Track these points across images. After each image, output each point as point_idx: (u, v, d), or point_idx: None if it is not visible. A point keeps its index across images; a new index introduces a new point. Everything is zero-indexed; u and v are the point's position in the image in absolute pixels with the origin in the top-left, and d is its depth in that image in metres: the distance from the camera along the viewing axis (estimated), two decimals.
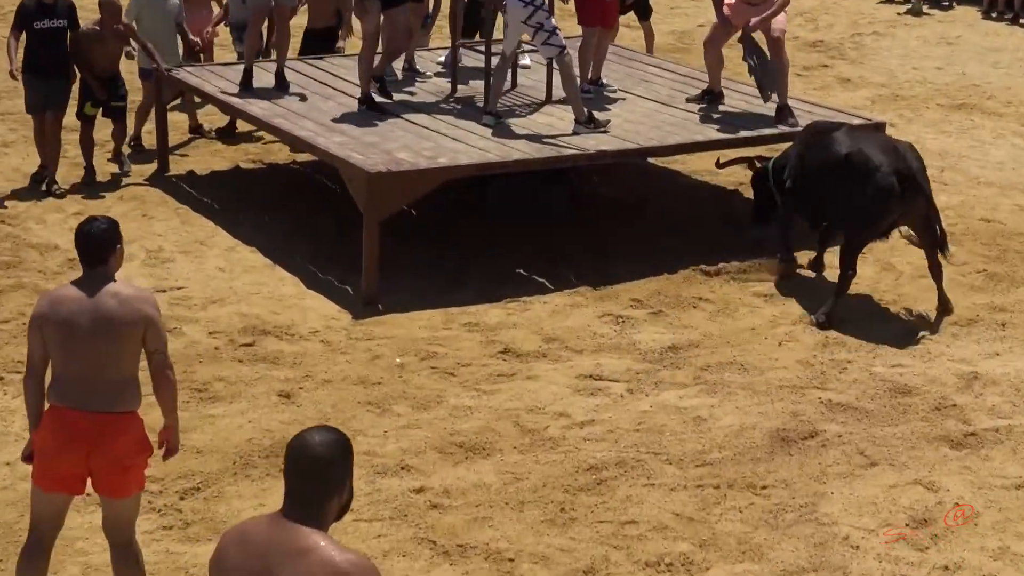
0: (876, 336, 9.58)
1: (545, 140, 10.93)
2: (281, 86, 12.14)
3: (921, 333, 9.65)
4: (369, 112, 11.42)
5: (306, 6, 13.73)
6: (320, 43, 13.52)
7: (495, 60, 11.55)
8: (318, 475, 3.86)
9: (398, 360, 9.07)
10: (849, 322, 9.75)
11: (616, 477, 7.63)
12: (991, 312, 10.06)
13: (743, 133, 11.43)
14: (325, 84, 12.40)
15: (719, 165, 11.50)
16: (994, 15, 20.73)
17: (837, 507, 7.37)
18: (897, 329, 9.74)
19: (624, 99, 12.17)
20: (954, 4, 21.31)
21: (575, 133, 11.08)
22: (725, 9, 11.68)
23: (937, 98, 16.13)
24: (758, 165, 11.16)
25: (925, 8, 20.98)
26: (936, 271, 9.97)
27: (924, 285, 10.43)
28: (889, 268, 10.85)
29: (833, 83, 16.63)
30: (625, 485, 7.56)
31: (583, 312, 9.93)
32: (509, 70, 11.89)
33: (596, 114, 11.28)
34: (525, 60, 12.94)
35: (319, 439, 3.88)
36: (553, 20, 11.28)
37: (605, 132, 11.13)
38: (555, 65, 11.49)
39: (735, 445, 8.02)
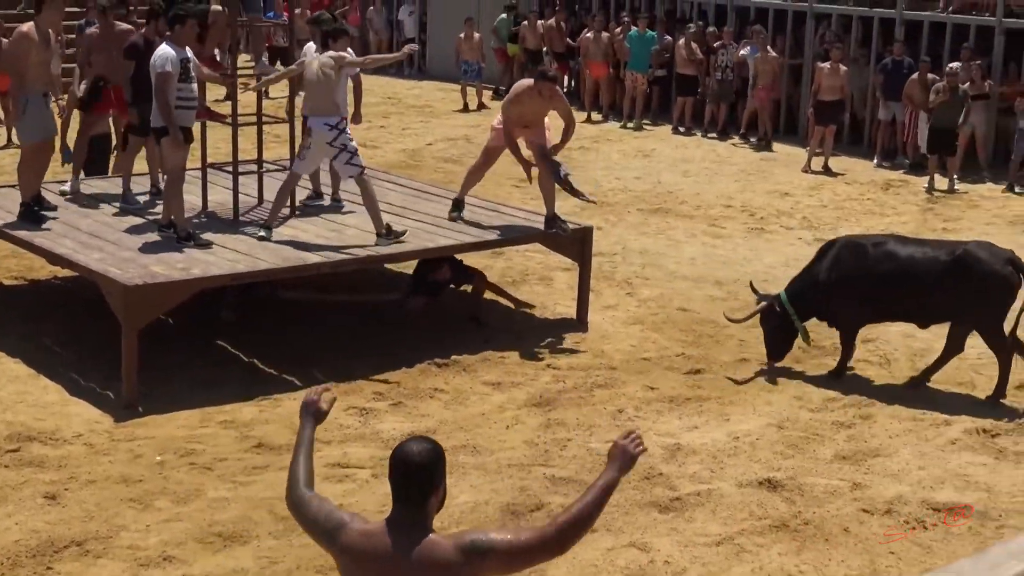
0: (592, 415, 9.81)
1: (290, 250, 10.91)
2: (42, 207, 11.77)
3: (630, 412, 9.92)
4: (124, 229, 11.23)
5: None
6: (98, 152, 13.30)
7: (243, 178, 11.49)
8: (419, 478, 4.25)
9: (158, 458, 8.87)
10: (571, 406, 9.97)
11: None
12: (690, 390, 10.41)
13: (468, 240, 11.60)
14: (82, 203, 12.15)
15: (733, 321, 11.18)
16: (682, 130, 21.64)
17: (563, 571, 7.47)
18: (611, 408, 9.99)
19: (355, 212, 12.19)
20: (692, 131, 22.15)
21: (377, 244, 11.09)
22: (495, 137, 11.85)
23: (637, 204, 16.69)
24: (763, 304, 10.90)
25: (634, 124, 21.78)
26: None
27: (633, 368, 10.76)
28: (600, 354, 11.15)
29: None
30: None
31: None
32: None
33: (392, 225, 11.31)
34: None
35: (417, 448, 4.29)
36: (355, 143, 11.31)
37: (402, 242, 11.16)
38: (356, 184, 11.36)
39: (471, 520, 8.08)
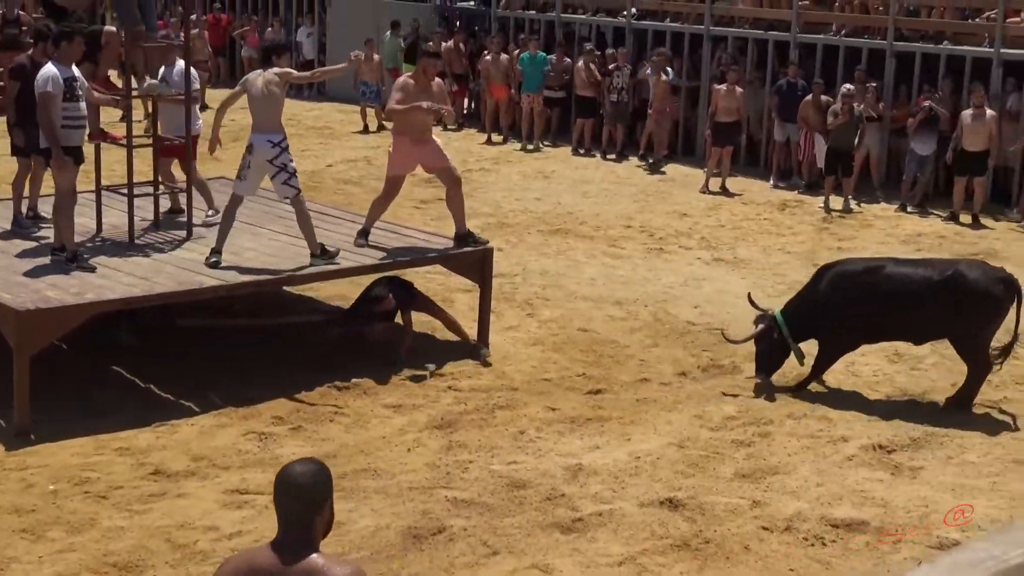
0: (494, 436, 9.78)
1: (187, 274, 10.75)
2: None
3: (532, 433, 9.90)
4: (16, 254, 11.00)
5: None
6: None
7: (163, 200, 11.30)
8: (303, 499, 4.19)
9: (51, 487, 8.66)
10: (473, 428, 9.92)
11: None
12: (592, 410, 10.42)
13: (369, 262, 11.51)
14: None
15: (733, 342, 11.24)
16: (581, 151, 21.74)
17: None
18: (513, 430, 9.96)
19: (253, 234, 12.06)
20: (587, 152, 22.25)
21: (312, 265, 11.02)
22: (393, 167, 11.84)
23: (538, 225, 16.72)
24: (762, 327, 11.02)
25: (533, 146, 21.84)
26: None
27: (535, 389, 10.76)
28: (501, 375, 11.12)
29: (448, 214, 16.92)
30: None
31: (228, 432, 9.75)
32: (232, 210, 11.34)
33: (326, 246, 11.21)
34: None
35: (301, 469, 4.23)
36: (294, 164, 11.16)
37: (336, 263, 11.09)
38: (292, 205, 11.22)
39: (371, 544, 7.99)
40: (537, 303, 13.33)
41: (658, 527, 8.34)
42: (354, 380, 10.74)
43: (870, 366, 11.55)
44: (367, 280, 11.84)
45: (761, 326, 11.05)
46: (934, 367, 11.46)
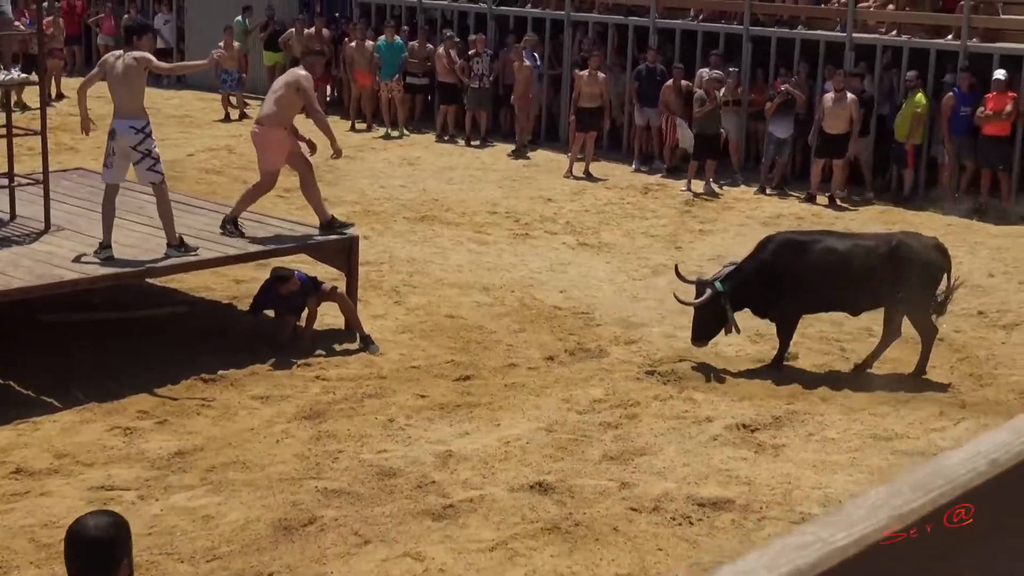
0: (363, 425, 9.75)
1: (45, 267, 10.52)
2: None
3: (401, 421, 9.90)
4: None
5: None
6: None
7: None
8: (97, 555, 3.73)
9: None
10: (342, 417, 9.88)
11: None
12: (461, 396, 10.45)
13: (233, 252, 11.38)
14: None
15: (683, 303, 11.29)
16: (446, 138, 21.73)
17: None
18: (382, 418, 9.94)
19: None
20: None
21: (167, 256, 10.87)
22: (273, 161, 11.75)
23: (403, 212, 16.68)
24: (710, 293, 11.11)
25: (396, 132, 21.78)
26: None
27: (403, 377, 10.75)
28: (369, 364, 11.09)
29: None
30: None
31: (92, 427, 9.57)
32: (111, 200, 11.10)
33: (186, 239, 11.03)
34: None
35: (94, 523, 3.78)
36: (158, 150, 10.92)
37: (196, 255, 10.92)
38: (154, 192, 11.01)
39: (242, 538, 7.92)
40: (404, 291, 13.31)
41: (528, 511, 8.40)
42: (220, 372, 10.62)
43: (733, 346, 11.75)
44: (231, 271, 11.72)
45: (709, 292, 11.19)
46: (794, 345, 11.71)
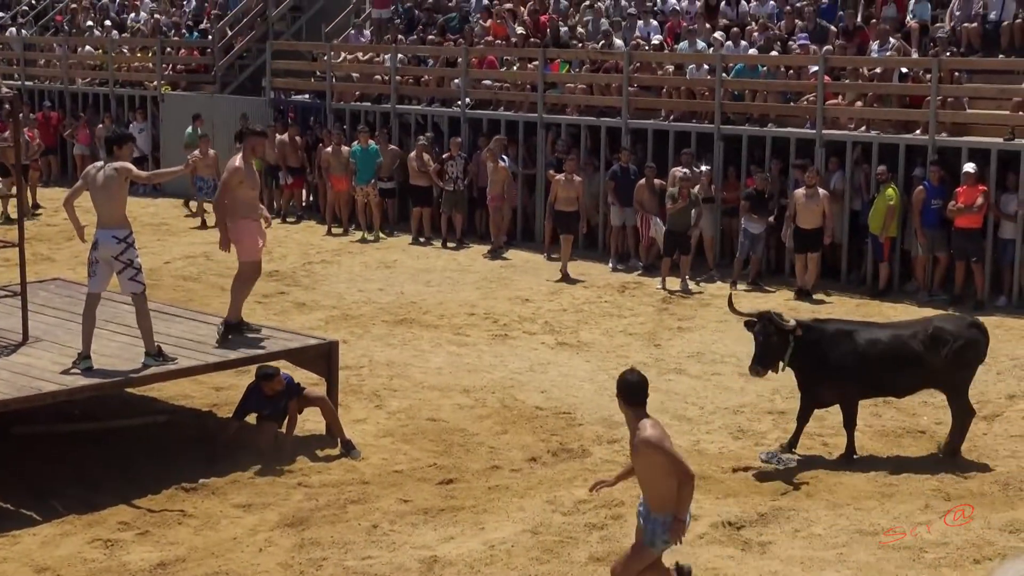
0: (347, 532, 9.66)
1: (23, 379, 10.46)
2: None
3: (385, 526, 9.82)
4: None
5: None
6: None
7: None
8: None
9: None
10: (325, 524, 9.80)
11: None
12: (444, 500, 10.37)
13: (212, 359, 11.35)
14: None
15: (735, 311, 11.77)
16: (421, 240, 21.82)
17: None
18: (366, 524, 9.86)
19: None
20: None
21: (145, 365, 10.82)
22: (251, 252, 11.73)
23: (382, 315, 16.68)
24: (793, 322, 11.26)
25: (372, 236, 21.85)
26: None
27: (386, 481, 10.67)
28: (351, 469, 11.02)
29: (290, 308, 16.89)
30: None
31: (73, 540, 9.46)
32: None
33: (164, 347, 11.02)
34: None
35: None
36: (140, 260, 10.93)
37: (175, 363, 10.91)
38: (134, 302, 10.99)
39: None
40: (385, 394, 13.27)
41: None
42: (201, 480, 10.54)
43: (716, 444, 11.73)
44: (210, 379, 11.68)
45: (793, 321, 11.29)
46: (777, 441, 11.69)
